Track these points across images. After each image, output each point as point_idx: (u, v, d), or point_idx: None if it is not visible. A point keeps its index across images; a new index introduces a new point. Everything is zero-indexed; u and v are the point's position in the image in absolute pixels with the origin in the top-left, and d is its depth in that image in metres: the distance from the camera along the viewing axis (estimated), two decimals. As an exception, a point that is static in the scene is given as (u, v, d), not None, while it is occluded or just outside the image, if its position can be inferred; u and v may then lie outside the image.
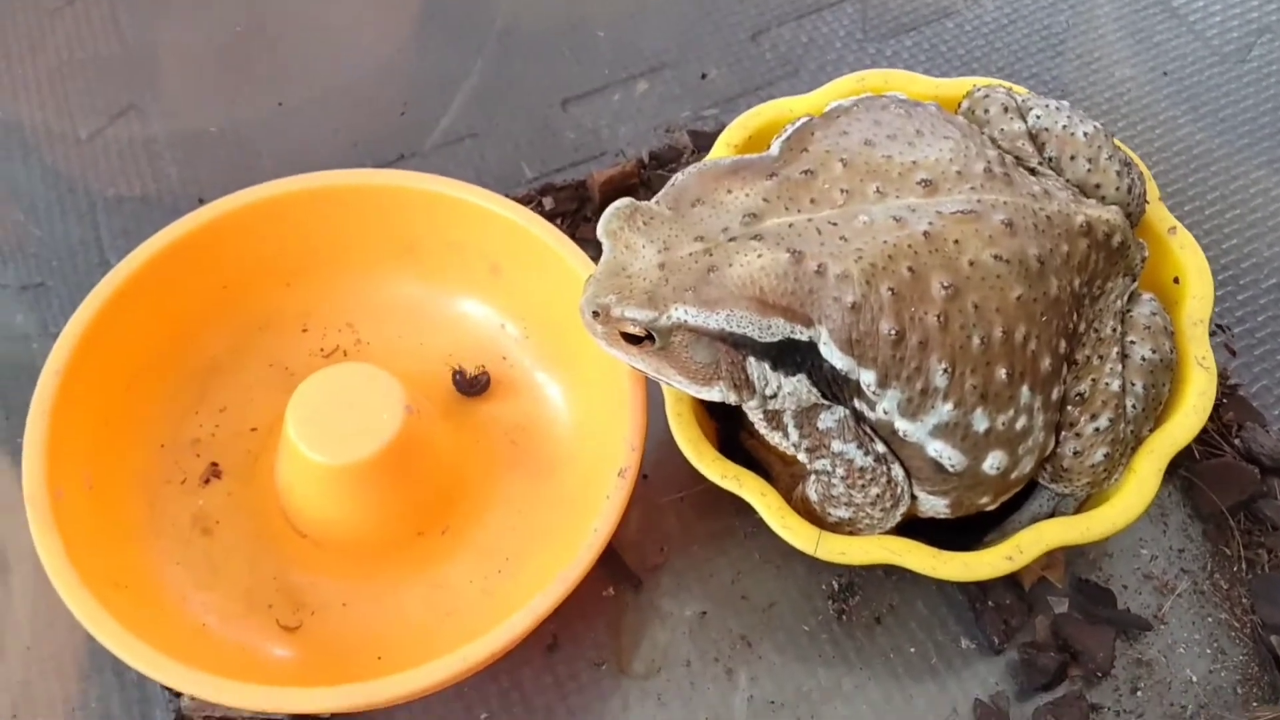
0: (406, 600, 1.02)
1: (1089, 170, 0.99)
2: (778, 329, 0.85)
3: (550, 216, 1.23)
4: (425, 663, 0.88)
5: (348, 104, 1.40)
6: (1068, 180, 0.99)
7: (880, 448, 0.91)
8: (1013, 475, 0.92)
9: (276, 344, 1.13)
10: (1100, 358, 0.95)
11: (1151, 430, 0.98)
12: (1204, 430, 0.98)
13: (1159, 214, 1.05)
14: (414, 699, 0.94)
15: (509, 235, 1.10)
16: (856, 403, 0.89)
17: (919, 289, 0.85)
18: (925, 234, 0.86)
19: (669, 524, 1.09)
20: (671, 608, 1.05)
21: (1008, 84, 1.08)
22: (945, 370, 0.86)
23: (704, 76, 1.43)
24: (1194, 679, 1.02)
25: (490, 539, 1.05)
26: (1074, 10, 1.50)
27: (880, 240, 0.86)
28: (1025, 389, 0.89)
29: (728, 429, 1.06)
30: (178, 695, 0.99)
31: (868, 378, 0.86)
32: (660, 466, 1.09)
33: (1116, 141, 1.02)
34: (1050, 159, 1.00)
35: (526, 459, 1.10)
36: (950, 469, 0.90)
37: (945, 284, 0.85)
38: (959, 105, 1.06)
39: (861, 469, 0.91)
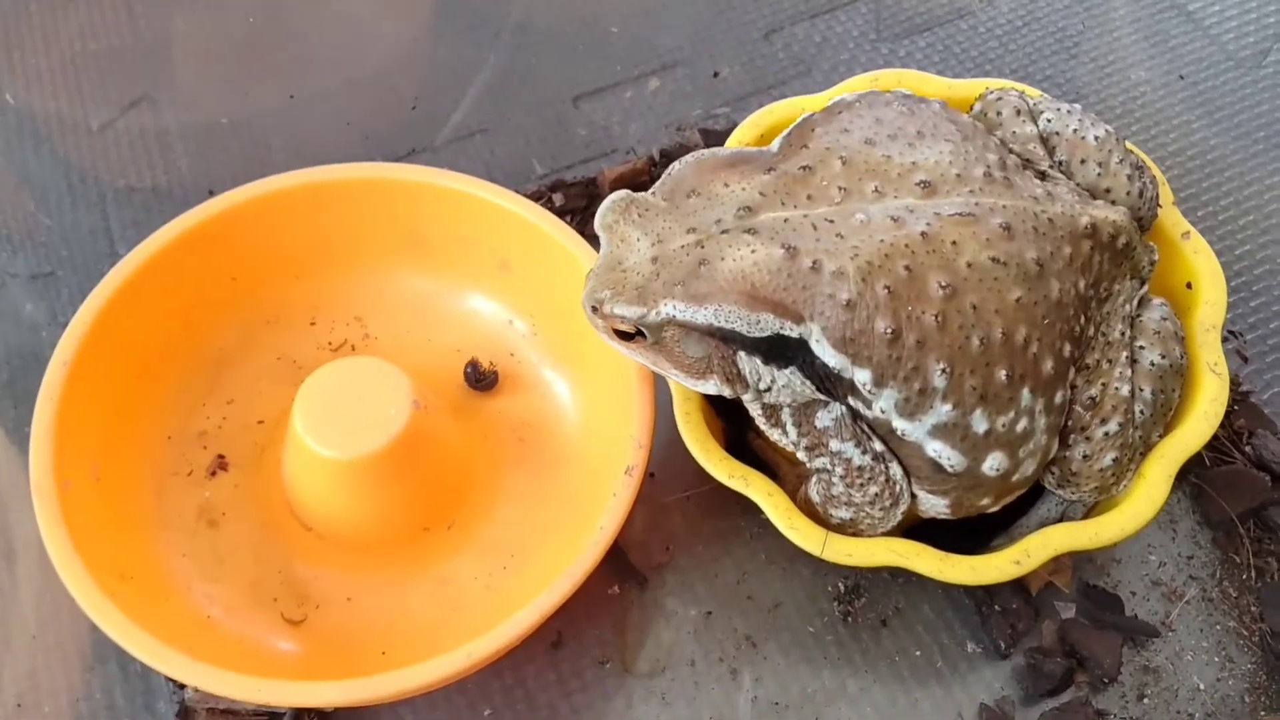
0: (411, 595, 1.01)
1: (1099, 174, 0.99)
2: (766, 324, 0.84)
3: (560, 213, 1.23)
4: (430, 658, 0.88)
5: (359, 97, 1.40)
6: (1078, 184, 0.98)
7: (878, 446, 0.91)
8: (1014, 478, 0.92)
9: (285, 337, 1.13)
10: (1109, 362, 0.94)
11: (1161, 436, 0.97)
12: (1214, 436, 0.97)
13: (1172, 219, 1.05)
14: (419, 694, 0.94)
15: (519, 231, 1.10)
16: (851, 400, 0.89)
17: (916, 288, 0.85)
18: (923, 234, 0.86)
19: (674, 523, 1.09)
20: (676, 607, 1.05)
21: (1021, 86, 1.08)
22: (944, 370, 0.85)
23: (716, 75, 1.42)
24: (1201, 687, 1.01)
25: (496, 535, 1.05)
26: (1089, 13, 1.50)
27: (877, 239, 0.85)
28: (1026, 391, 0.88)
29: (735, 429, 1.06)
30: (182, 687, 0.99)
31: (862, 376, 0.86)
32: (666, 465, 1.09)
33: (1129, 145, 1.02)
34: (1061, 163, 0.99)
35: (533, 455, 1.09)
36: (949, 469, 0.90)
37: (943, 284, 0.85)
38: (971, 107, 1.06)
39: (860, 468, 0.91)
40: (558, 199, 1.27)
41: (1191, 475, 1.11)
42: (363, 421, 0.98)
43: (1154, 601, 1.05)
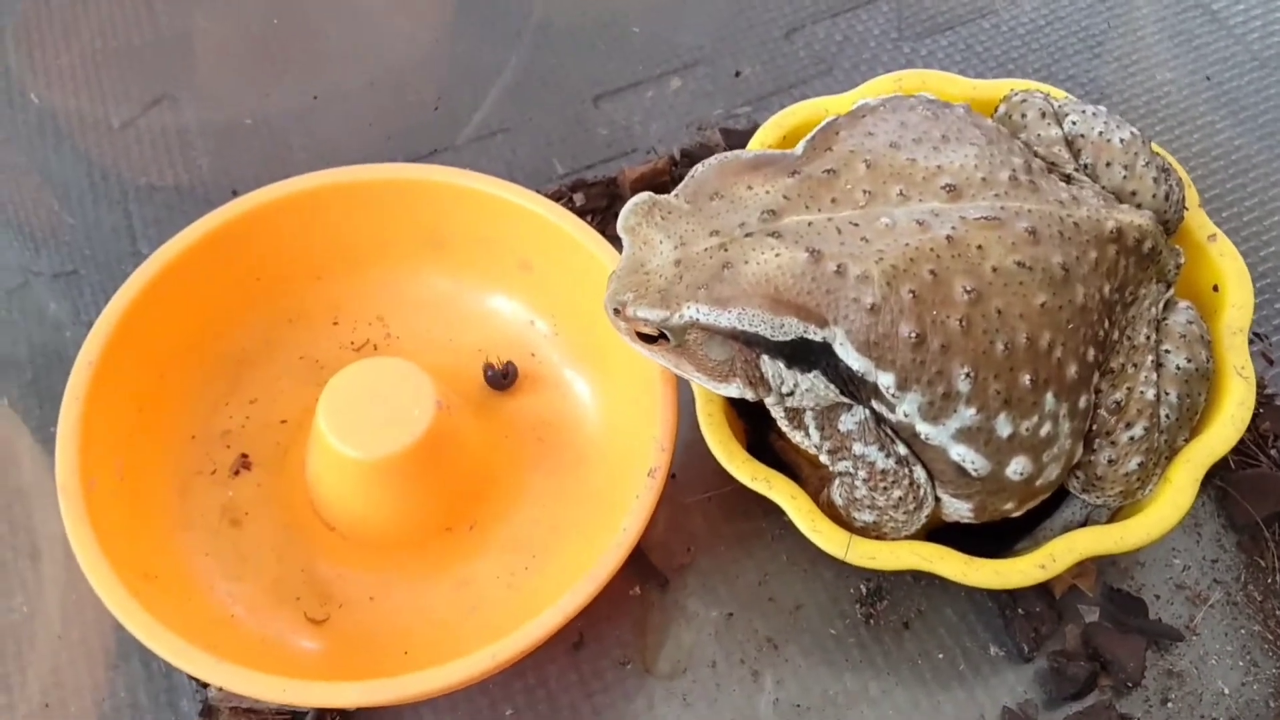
0: (433, 595, 1.02)
1: (1125, 177, 0.98)
2: (790, 328, 0.84)
3: (581, 213, 1.22)
4: (451, 658, 0.88)
5: (381, 97, 1.40)
6: (1103, 187, 0.97)
7: (902, 450, 0.91)
8: (1038, 482, 0.92)
9: (307, 337, 1.14)
10: (1134, 365, 0.94)
11: (1187, 440, 0.97)
12: (1240, 440, 0.96)
13: (1198, 221, 1.04)
14: (441, 695, 0.94)
15: (540, 231, 1.10)
16: (875, 404, 0.89)
17: (941, 292, 0.84)
18: (948, 238, 0.85)
19: (696, 524, 1.09)
20: (697, 608, 1.05)
21: (1046, 87, 1.07)
22: (968, 375, 0.85)
23: (737, 74, 1.42)
24: (1226, 691, 1.01)
25: (517, 535, 1.05)
26: (1113, 12, 1.49)
27: (902, 243, 0.85)
28: (1050, 396, 0.88)
29: (757, 430, 1.06)
30: (205, 686, 0.99)
31: (886, 380, 0.85)
32: (688, 466, 1.09)
33: (1155, 147, 1.01)
34: (1086, 165, 0.99)
35: (554, 455, 1.09)
36: (973, 473, 0.89)
37: (968, 288, 0.84)
38: (995, 108, 1.05)
39: (884, 471, 0.91)
40: (578, 199, 1.27)
41: (1216, 478, 1.10)
42: (387, 421, 0.98)
43: (1178, 605, 1.05)
